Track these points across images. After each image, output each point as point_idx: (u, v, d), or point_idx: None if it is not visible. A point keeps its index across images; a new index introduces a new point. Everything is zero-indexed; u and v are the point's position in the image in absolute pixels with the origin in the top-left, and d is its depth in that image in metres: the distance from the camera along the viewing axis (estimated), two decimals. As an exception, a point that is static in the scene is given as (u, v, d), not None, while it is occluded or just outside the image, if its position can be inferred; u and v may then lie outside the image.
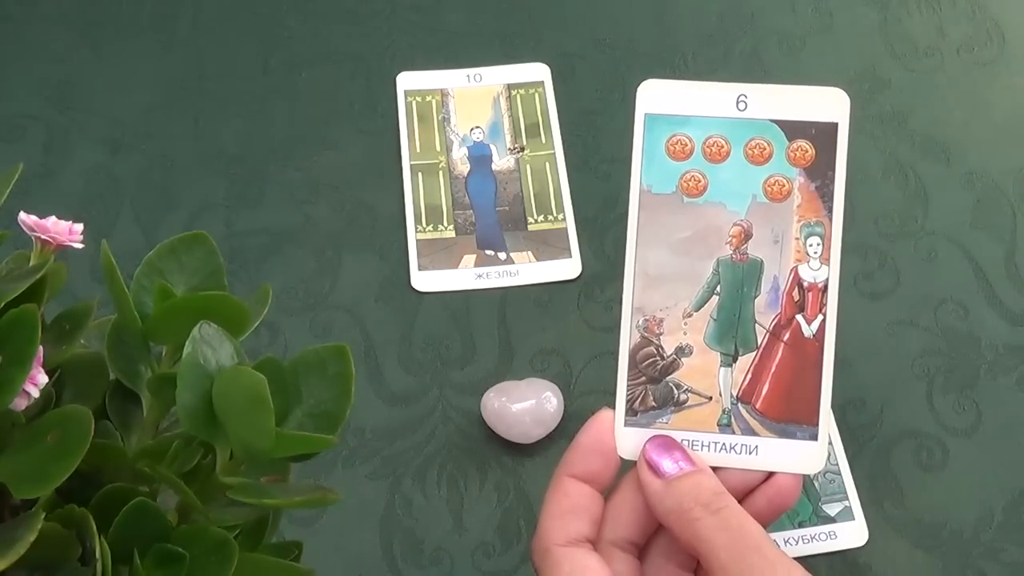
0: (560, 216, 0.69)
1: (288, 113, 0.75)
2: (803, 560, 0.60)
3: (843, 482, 0.63)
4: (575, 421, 0.63)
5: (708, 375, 0.48)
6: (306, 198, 0.72)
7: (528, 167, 0.71)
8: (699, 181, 0.48)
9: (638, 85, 0.47)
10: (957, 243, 0.70)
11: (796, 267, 0.50)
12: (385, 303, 0.68)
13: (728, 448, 0.45)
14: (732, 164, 0.48)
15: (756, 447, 0.45)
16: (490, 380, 0.64)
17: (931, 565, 0.60)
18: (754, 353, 0.48)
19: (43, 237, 0.37)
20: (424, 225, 0.69)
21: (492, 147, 0.72)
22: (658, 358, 0.47)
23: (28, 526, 0.32)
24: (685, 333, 0.47)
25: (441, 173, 0.71)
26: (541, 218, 0.69)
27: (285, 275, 0.69)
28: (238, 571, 0.34)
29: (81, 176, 0.73)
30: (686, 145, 0.48)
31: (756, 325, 0.49)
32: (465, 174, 0.71)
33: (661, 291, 0.47)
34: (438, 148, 0.72)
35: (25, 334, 0.32)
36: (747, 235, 0.49)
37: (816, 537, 0.61)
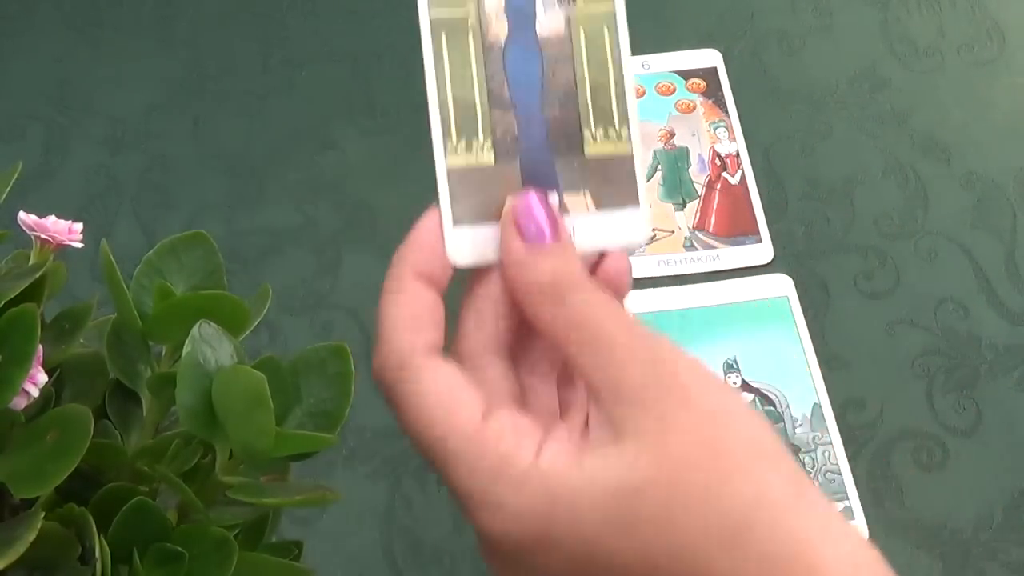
0: (624, 131, 0.44)
1: (288, 113, 0.75)
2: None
3: (843, 482, 0.63)
4: (575, 421, 0.63)
5: (667, 218, 0.71)
6: (306, 198, 0.72)
7: (582, 33, 0.45)
8: None
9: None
10: (957, 243, 0.70)
11: (713, 146, 0.73)
12: (385, 303, 0.68)
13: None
14: (648, 98, 0.74)
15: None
16: (490, 380, 0.64)
17: (931, 565, 0.60)
18: (697, 199, 0.72)
19: (43, 236, 0.37)
20: (455, 139, 0.43)
21: None
22: None
23: (28, 525, 0.32)
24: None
25: (471, 36, 0.44)
26: (600, 133, 0.45)
27: (285, 275, 0.69)
28: (238, 570, 0.34)
29: (81, 176, 0.73)
30: None
31: (694, 183, 0.72)
32: (502, 41, 0.44)
33: None
34: None
35: (24, 333, 0.32)
36: (671, 134, 0.73)
37: (816, 537, 0.61)
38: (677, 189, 0.72)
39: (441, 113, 0.44)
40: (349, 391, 0.37)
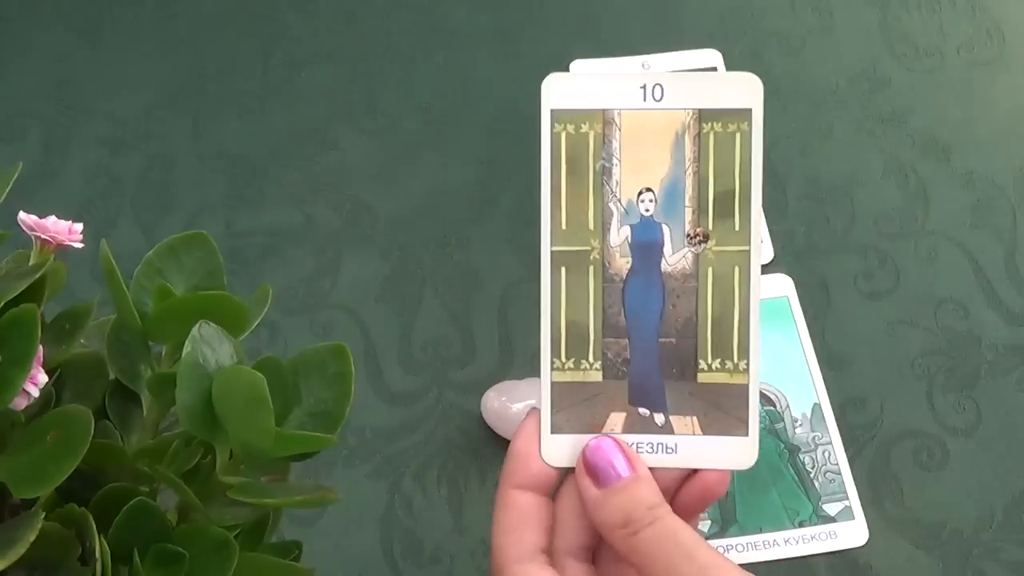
0: (742, 364, 0.45)
1: (288, 113, 0.75)
2: (803, 560, 0.60)
3: (843, 482, 0.63)
4: (575, 421, 0.63)
5: None
6: (306, 198, 0.72)
7: (710, 271, 0.46)
8: None
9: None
10: (957, 243, 0.70)
11: None
12: (385, 303, 0.68)
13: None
14: None
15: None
16: (490, 380, 0.64)
17: (931, 565, 0.60)
18: None
19: (43, 237, 0.37)
20: (564, 359, 0.46)
21: (665, 228, 0.45)
22: None
23: (28, 526, 0.32)
24: None
25: (592, 269, 0.46)
26: (717, 364, 0.46)
27: (285, 275, 0.69)
28: (238, 571, 0.34)
29: (81, 176, 0.73)
30: None
31: None
32: (624, 274, 0.46)
33: None
34: (591, 224, 0.45)
35: (25, 333, 0.32)
36: None
37: (816, 537, 0.61)
38: None
39: (552, 335, 0.46)
40: (349, 391, 0.37)
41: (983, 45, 0.79)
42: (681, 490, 0.43)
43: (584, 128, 0.46)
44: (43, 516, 0.32)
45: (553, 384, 0.46)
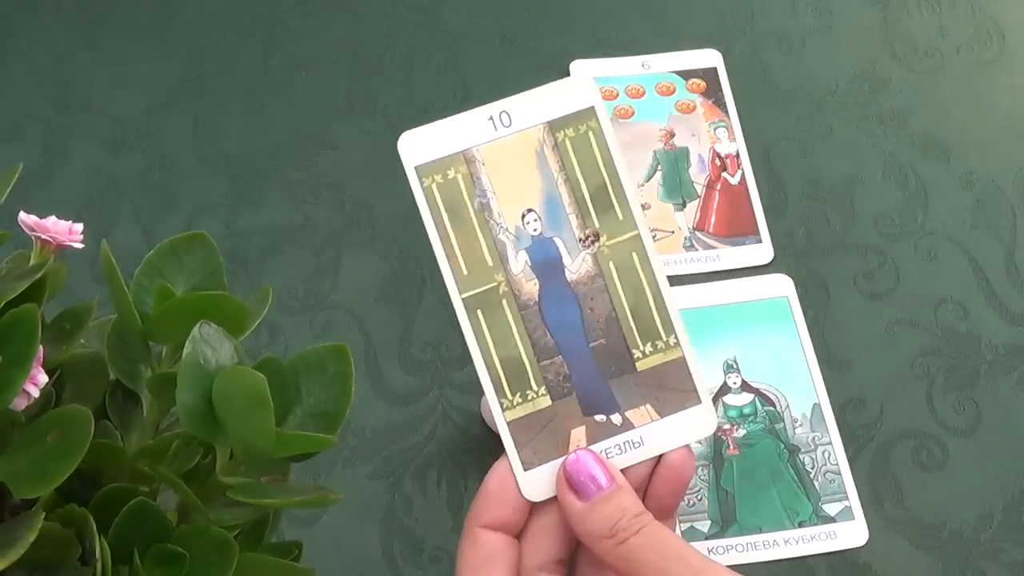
0: (671, 339, 0.47)
1: (288, 113, 0.75)
2: (803, 560, 0.60)
3: (843, 482, 0.63)
4: (575, 421, 0.63)
5: (667, 219, 0.72)
6: (306, 198, 0.72)
7: (612, 265, 0.47)
8: (627, 110, 0.75)
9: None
10: (957, 243, 0.70)
11: (713, 146, 0.74)
12: (385, 303, 0.68)
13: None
14: (648, 98, 0.76)
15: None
16: (490, 380, 0.64)
17: (931, 565, 0.60)
18: (697, 200, 0.72)
19: (43, 237, 0.37)
20: (510, 396, 0.46)
21: (558, 241, 0.47)
22: None
23: (28, 526, 0.32)
24: (642, 196, 0.71)
25: (505, 302, 0.47)
26: (649, 347, 0.47)
27: (285, 275, 0.69)
28: (238, 571, 0.35)
29: (81, 176, 0.73)
30: (612, 91, 0.75)
31: (694, 184, 0.73)
32: (536, 297, 0.47)
33: None
34: (489, 261, 0.47)
35: (25, 334, 0.32)
36: (671, 135, 0.74)
37: (816, 537, 0.61)
38: (677, 189, 0.72)
39: (491, 377, 0.46)
40: (349, 391, 0.38)
41: (983, 45, 0.79)
42: (651, 485, 0.44)
43: (451, 174, 0.47)
44: (43, 516, 0.32)
45: (509, 424, 0.46)
